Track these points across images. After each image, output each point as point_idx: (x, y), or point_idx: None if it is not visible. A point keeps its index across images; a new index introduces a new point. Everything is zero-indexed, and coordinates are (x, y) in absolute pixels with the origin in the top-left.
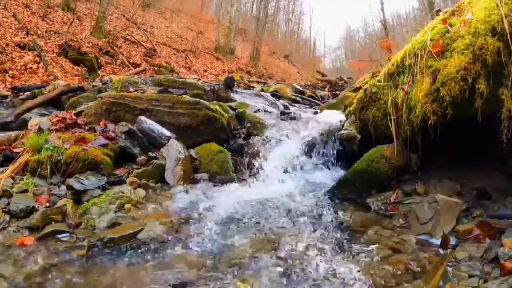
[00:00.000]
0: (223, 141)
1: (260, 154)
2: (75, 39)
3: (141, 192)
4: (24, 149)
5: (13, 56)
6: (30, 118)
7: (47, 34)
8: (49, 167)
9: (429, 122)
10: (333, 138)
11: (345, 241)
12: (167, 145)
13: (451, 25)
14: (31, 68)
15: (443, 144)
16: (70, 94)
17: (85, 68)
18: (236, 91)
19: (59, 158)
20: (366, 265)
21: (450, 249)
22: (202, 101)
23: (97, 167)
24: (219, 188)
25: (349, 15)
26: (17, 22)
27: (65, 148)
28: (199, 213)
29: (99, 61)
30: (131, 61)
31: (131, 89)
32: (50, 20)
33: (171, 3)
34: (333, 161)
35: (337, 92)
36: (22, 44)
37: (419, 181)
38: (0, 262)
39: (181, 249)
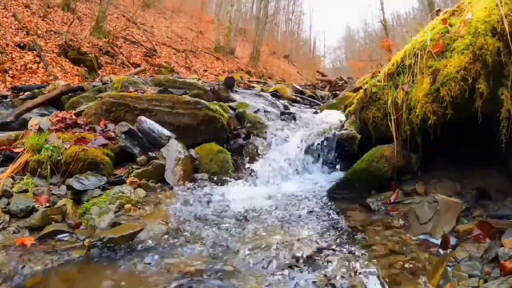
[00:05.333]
0: (223, 141)
1: (260, 154)
2: (75, 39)
3: (141, 192)
4: (24, 149)
5: (13, 56)
6: (30, 118)
7: (47, 34)
8: (49, 167)
9: (429, 122)
10: (333, 138)
11: (344, 241)
12: (167, 145)
13: (451, 25)
14: (31, 68)
15: (443, 144)
16: (70, 94)
17: (85, 68)
18: (236, 91)
19: (59, 158)
20: (365, 265)
21: (450, 249)
22: (202, 101)
23: (97, 167)
24: (219, 188)
25: (349, 15)
26: (17, 22)
27: (65, 148)
28: (199, 213)
29: (99, 61)
30: (131, 61)
31: (131, 89)
32: (50, 20)
33: (171, 3)
34: (333, 161)
35: (337, 92)
36: (22, 44)
37: (419, 181)
38: (0, 262)
39: (182, 249)
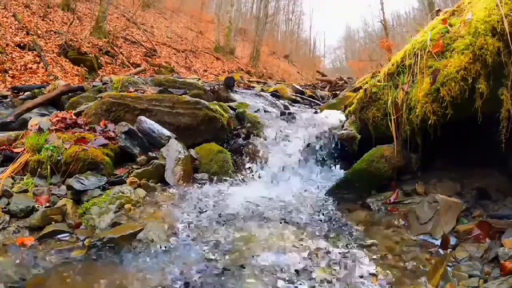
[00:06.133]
0: (223, 141)
1: (260, 154)
2: (75, 39)
3: (141, 192)
4: (24, 149)
5: (13, 56)
6: (30, 118)
7: (47, 34)
8: (49, 167)
9: (429, 122)
10: (333, 138)
11: (344, 240)
12: (167, 145)
13: (451, 25)
14: (31, 68)
15: (443, 144)
16: (70, 94)
17: (85, 68)
18: (236, 91)
19: (59, 158)
20: (365, 265)
21: (450, 249)
22: (202, 101)
23: (97, 167)
24: (219, 188)
25: (349, 15)
26: (17, 22)
27: (65, 148)
28: (199, 213)
29: (99, 61)
30: (131, 61)
31: (131, 89)
32: (50, 20)
33: (171, 3)
34: (333, 161)
35: (337, 92)
36: (22, 44)
37: (419, 181)
38: (0, 262)
39: (181, 249)
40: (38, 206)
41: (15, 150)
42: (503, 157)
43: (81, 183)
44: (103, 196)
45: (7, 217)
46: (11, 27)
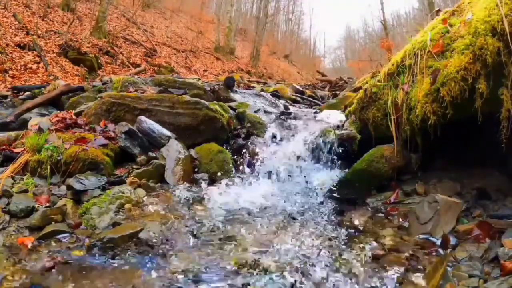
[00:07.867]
0: (223, 141)
1: (260, 154)
2: (75, 39)
3: (141, 192)
4: (24, 149)
5: (13, 56)
6: (30, 118)
7: (47, 34)
8: (49, 167)
9: (429, 122)
10: (333, 138)
11: (344, 240)
12: (167, 145)
13: (451, 25)
14: (31, 68)
15: (443, 144)
16: (70, 94)
17: (85, 68)
18: (236, 91)
19: (59, 158)
20: (365, 265)
21: (450, 249)
22: (202, 101)
23: (97, 167)
24: (219, 188)
25: (349, 15)
26: (17, 22)
27: (65, 148)
28: (199, 213)
29: (99, 61)
30: (131, 61)
31: (131, 89)
32: (50, 20)
33: (171, 3)
34: (333, 161)
35: (337, 92)
36: (22, 44)
37: (419, 181)
38: (0, 262)
39: (181, 249)
40: (38, 206)
41: (15, 150)
42: (503, 157)
43: (81, 183)
44: (103, 196)
45: (7, 217)
46: (11, 27)
